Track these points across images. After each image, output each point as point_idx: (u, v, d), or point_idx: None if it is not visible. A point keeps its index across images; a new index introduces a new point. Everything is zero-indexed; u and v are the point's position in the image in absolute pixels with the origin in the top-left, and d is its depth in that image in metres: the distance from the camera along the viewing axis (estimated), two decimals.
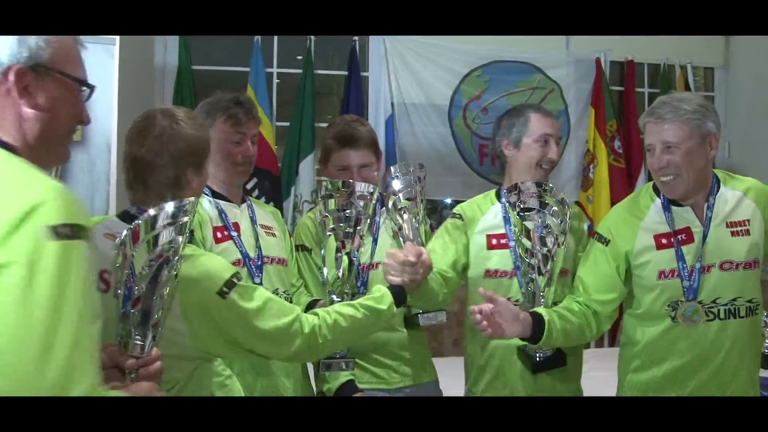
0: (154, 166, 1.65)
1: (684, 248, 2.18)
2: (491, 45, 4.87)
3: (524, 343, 2.18)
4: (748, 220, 2.20)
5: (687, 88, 5.14)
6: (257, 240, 2.25)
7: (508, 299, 2.21)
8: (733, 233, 2.19)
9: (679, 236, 2.19)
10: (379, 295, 1.92)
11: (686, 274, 2.17)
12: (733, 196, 2.24)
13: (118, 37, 3.30)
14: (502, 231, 2.37)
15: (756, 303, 2.19)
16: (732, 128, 5.35)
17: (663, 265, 2.19)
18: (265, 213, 2.40)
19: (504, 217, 2.39)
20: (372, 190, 2.07)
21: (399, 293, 1.97)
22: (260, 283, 2.15)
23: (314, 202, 4.40)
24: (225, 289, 1.57)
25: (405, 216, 2.20)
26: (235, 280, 1.60)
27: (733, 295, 2.16)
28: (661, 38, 4.67)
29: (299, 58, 4.74)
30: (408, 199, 2.22)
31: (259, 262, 2.21)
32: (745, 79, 5.30)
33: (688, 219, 2.21)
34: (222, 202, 2.26)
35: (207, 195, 2.24)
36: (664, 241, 2.20)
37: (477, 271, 2.38)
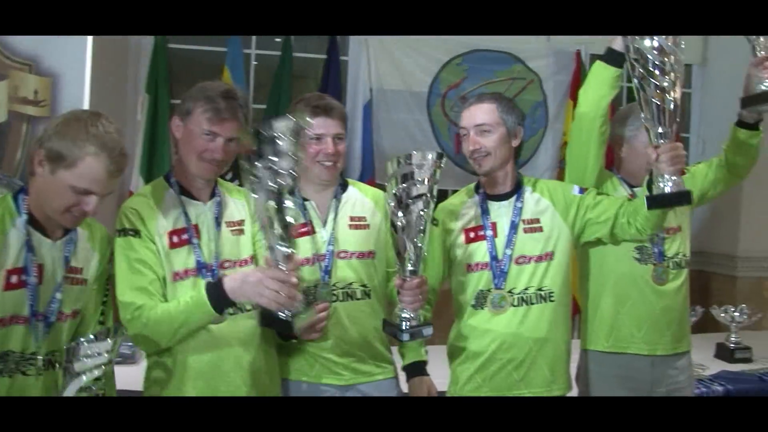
0: None
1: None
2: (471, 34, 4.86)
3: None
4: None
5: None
6: (217, 243, 2.17)
7: (481, 291, 2.37)
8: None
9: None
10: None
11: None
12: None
13: None
14: (478, 223, 2.43)
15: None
16: (707, 126, 5.41)
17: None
18: (238, 205, 2.28)
19: (481, 208, 2.44)
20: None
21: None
22: None
23: None
24: None
25: (414, 213, 2.04)
26: None
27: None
28: None
29: (278, 40, 4.68)
30: (417, 196, 2.03)
31: (214, 271, 2.13)
32: (722, 77, 5.34)
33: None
34: (186, 200, 2.18)
35: (173, 190, 2.18)
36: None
37: (459, 267, 2.43)
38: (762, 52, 2.38)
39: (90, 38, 3.18)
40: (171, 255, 2.10)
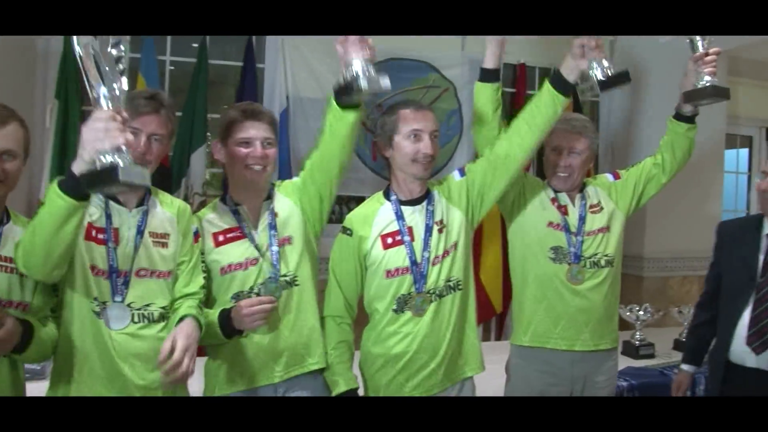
0: None
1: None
2: (388, 42, 4.86)
3: None
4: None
5: (574, 92, 5.33)
6: (135, 251, 2.16)
7: (402, 296, 2.43)
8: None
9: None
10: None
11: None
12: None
13: None
14: (395, 228, 2.46)
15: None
16: (614, 130, 5.63)
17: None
18: (166, 217, 2.27)
19: (395, 214, 2.47)
20: None
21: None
22: (121, 300, 2.11)
23: (205, 195, 4.32)
24: None
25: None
26: None
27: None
28: (551, 44, 4.83)
29: (194, 45, 4.60)
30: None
31: (128, 278, 2.13)
32: (626, 88, 5.53)
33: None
34: (113, 205, 2.17)
35: (99, 195, 2.15)
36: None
37: (377, 274, 2.47)
38: (701, 49, 2.55)
39: None
40: (84, 246, 2.09)
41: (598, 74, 2.44)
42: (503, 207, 2.82)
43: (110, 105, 1.76)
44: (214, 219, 2.40)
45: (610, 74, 2.44)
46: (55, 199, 1.81)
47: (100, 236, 2.12)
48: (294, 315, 2.38)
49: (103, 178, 1.72)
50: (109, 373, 2.10)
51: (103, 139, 1.71)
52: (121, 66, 1.77)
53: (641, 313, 3.97)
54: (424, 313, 2.43)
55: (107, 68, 1.75)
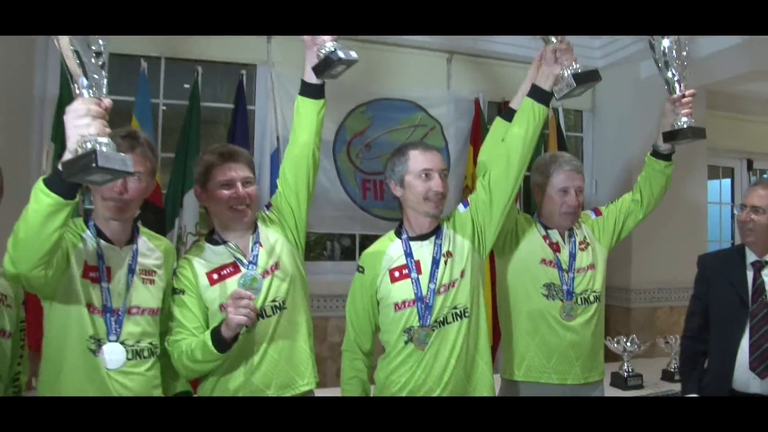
0: None
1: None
2: (375, 83, 5.01)
3: None
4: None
5: (559, 128, 5.46)
6: (128, 290, 2.23)
7: (409, 328, 2.50)
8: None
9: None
10: None
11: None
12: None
13: None
14: (402, 263, 2.55)
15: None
16: (598, 166, 5.74)
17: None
18: (152, 255, 2.36)
19: (405, 252, 2.57)
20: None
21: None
22: (117, 339, 2.18)
23: (198, 234, 4.37)
24: None
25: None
26: None
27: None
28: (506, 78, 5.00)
29: (186, 86, 4.69)
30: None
31: (121, 316, 2.20)
32: (609, 123, 5.71)
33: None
34: (104, 243, 2.23)
35: (90, 233, 2.22)
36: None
37: (388, 308, 2.56)
38: (678, 92, 2.67)
39: None
40: (82, 285, 2.15)
41: (569, 74, 2.52)
42: (495, 243, 2.87)
43: (91, 94, 1.78)
44: (205, 258, 2.44)
45: (581, 72, 2.52)
46: (40, 196, 1.82)
47: (93, 275, 2.17)
48: (283, 338, 2.42)
49: (82, 165, 1.70)
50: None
51: (85, 126, 1.72)
52: (101, 60, 1.79)
53: (628, 344, 4.02)
54: (426, 347, 2.50)
55: (88, 61, 1.77)
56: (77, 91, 1.78)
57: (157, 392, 2.28)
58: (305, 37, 2.28)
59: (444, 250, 2.56)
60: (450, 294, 2.52)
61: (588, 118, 5.86)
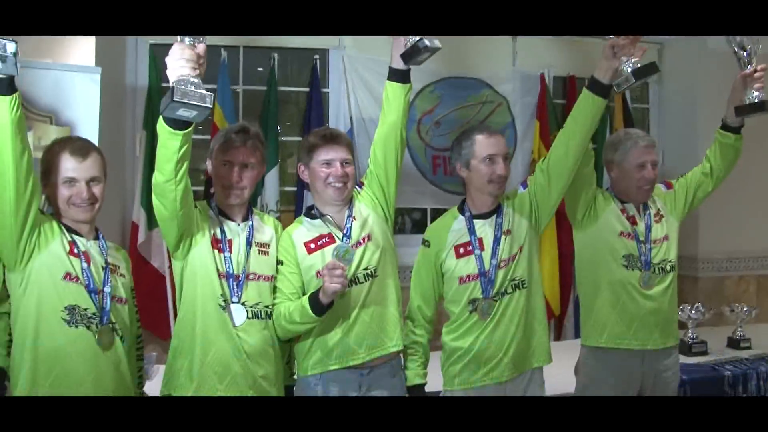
0: None
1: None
2: (443, 62, 5.11)
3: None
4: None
5: (624, 100, 5.51)
6: (247, 259, 2.54)
7: (474, 300, 2.71)
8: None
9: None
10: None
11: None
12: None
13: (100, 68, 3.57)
14: (466, 239, 2.76)
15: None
16: (665, 137, 5.74)
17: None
18: (265, 230, 2.66)
19: (468, 229, 2.77)
20: None
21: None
22: (238, 301, 2.49)
23: (279, 211, 4.65)
24: None
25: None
26: None
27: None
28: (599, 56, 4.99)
29: (260, 69, 4.92)
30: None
31: (241, 281, 2.51)
32: (675, 95, 5.71)
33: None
34: (224, 220, 2.56)
35: (212, 213, 2.56)
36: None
37: (452, 280, 2.77)
38: (749, 67, 2.80)
39: (98, 91, 3.50)
40: (208, 255, 2.49)
41: (628, 69, 2.64)
42: (573, 217, 3.06)
43: (187, 41, 2.06)
44: (303, 230, 2.68)
45: (639, 67, 2.64)
46: (161, 128, 2.18)
47: (218, 245, 2.51)
48: (374, 303, 2.63)
49: (167, 101, 2.00)
50: (224, 366, 2.48)
51: (180, 68, 2.03)
52: None
53: (693, 312, 4.12)
54: (489, 317, 2.71)
55: None
56: (178, 38, 2.07)
57: (272, 350, 2.57)
58: (394, 39, 2.51)
59: (504, 228, 2.74)
60: (510, 267, 2.72)
61: (654, 89, 5.86)
